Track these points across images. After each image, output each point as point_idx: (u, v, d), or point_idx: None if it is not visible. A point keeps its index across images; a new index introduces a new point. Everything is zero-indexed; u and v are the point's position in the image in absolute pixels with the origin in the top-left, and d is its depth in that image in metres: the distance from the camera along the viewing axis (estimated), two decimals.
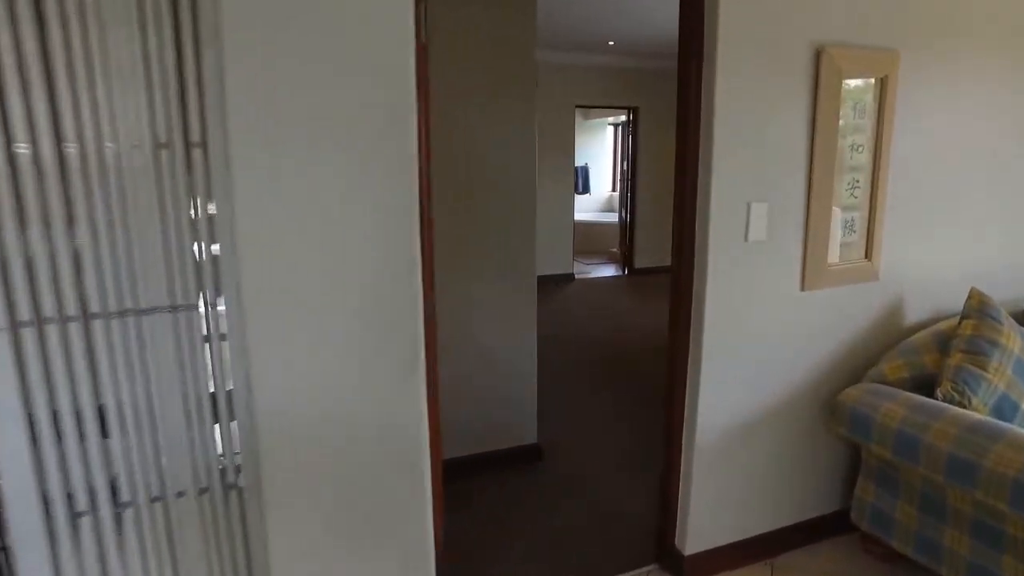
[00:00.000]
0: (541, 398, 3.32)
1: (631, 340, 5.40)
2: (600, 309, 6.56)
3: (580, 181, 10.90)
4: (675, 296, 2.18)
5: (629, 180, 8.36)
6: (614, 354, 5.04)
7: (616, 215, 10.07)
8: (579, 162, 10.83)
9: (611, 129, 11.28)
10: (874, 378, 2.27)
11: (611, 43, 6.82)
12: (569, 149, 7.78)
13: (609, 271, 8.74)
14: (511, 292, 3.10)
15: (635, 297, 7.17)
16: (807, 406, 2.36)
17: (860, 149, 2.22)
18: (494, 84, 2.86)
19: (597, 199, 11.40)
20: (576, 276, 8.14)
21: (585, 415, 3.86)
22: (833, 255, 2.25)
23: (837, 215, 2.24)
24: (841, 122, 2.13)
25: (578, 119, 10.85)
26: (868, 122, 2.20)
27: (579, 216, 10.57)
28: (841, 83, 2.09)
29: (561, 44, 7.00)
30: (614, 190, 11.39)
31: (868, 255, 2.32)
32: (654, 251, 8.45)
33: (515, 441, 3.24)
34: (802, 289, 2.22)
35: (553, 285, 7.65)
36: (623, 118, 9.29)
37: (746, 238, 2.08)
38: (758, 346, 2.20)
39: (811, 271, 2.20)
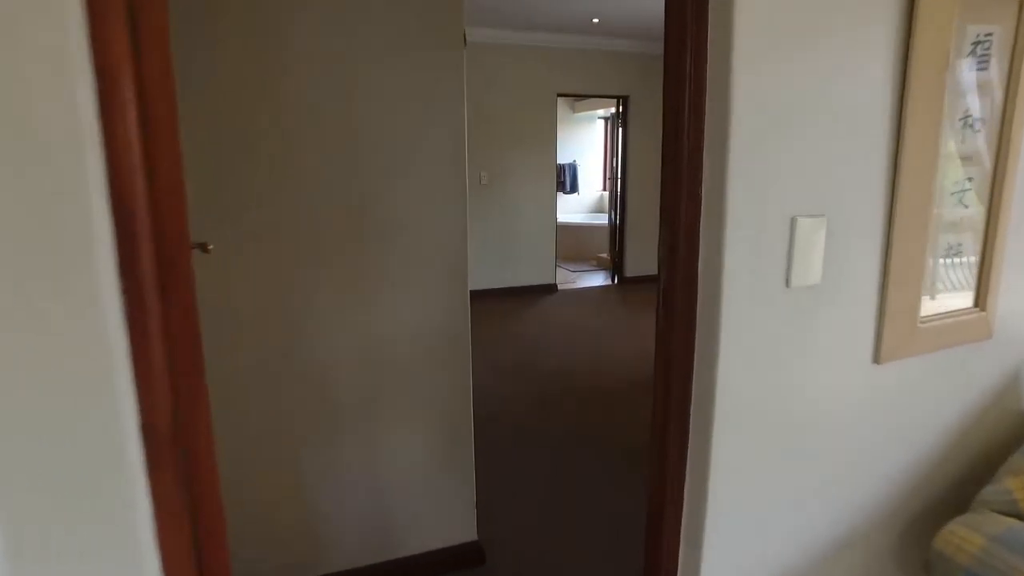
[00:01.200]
0: (485, 471, 2.43)
1: (614, 371, 4.49)
2: (581, 329, 5.64)
3: (568, 180, 9.99)
4: (663, 381, 1.26)
5: (619, 178, 7.45)
6: (590, 392, 4.12)
7: (607, 217, 9.16)
8: (567, 159, 9.93)
9: (601, 123, 10.37)
10: (996, 504, 1.36)
11: (595, 20, 5.92)
12: (550, 143, 6.86)
13: (597, 279, 7.83)
14: (432, 321, 2.19)
15: (623, 313, 6.26)
16: (875, 547, 1.46)
17: (975, 126, 1.31)
18: (393, 36, 1.95)
19: (586, 199, 10.49)
20: (559, 287, 7.22)
21: (546, 492, 2.94)
22: (926, 303, 1.35)
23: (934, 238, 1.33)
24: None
25: (565, 112, 9.97)
26: (994, 75, 1.29)
27: (566, 218, 9.69)
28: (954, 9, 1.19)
29: (539, 23, 6.09)
30: (605, 189, 10.48)
31: (980, 302, 1.42)
32: (646, 258, 7.55)
33: (444, 540, 2.33)
34: (877, 359, 1.31)
35: (531, 298, 6.74)
36: (613, 110, 8.39)
37: (787, 281, 1.17)
38: (801, 454, 1.30)
39: (893, 331, 1.29)
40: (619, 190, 7.47)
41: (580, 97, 9.27)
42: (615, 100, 7.38)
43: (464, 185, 2.13)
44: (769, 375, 1.21)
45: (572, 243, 9.20)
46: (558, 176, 9.77)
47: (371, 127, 1.96)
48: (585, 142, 10.37)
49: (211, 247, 1.58)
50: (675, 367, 1.20)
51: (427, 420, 2.22)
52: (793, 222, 1.15)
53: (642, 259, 7.53)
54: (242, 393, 1.95)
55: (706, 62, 1.09)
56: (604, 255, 8.53)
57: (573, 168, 10.07)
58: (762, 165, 1.11)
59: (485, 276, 6.75)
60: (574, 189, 10.13)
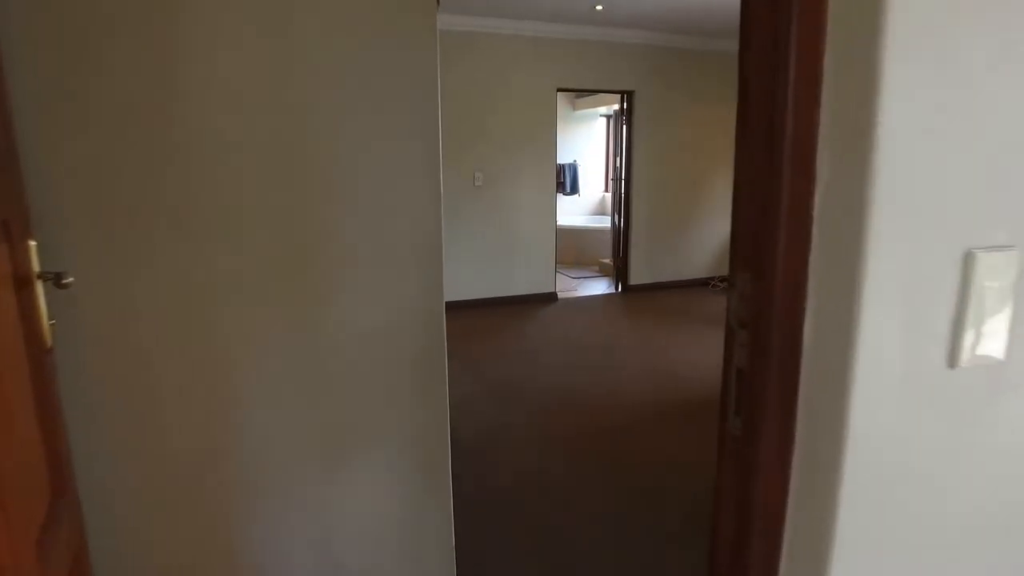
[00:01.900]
0: (469, 521, 1.95)
1: (622, 394, 4.02)
2: (584, 345, 5.17)
3: (567, 180, 9.52)
4: (735, 531, 0.79)
5: (623, 179, 6.97)
6: (596, 420, 3.65)
7: (609, 220, 8.70)
8: (567, 159, 9.47)
9: (603, 121, 9.91)
10: None
11: (598, 8, 5.44)
12: (550, 141, 6.39)
13: (599, 287, 7.35)
14: (397, 344, 1.73)
15: (628, 325, 5.79)
16: None
17: None
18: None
19: (587, 201, 10.02)
20: (559, 296, 6.75)
21: (546, 549, 2.46)
22: None
23: None
24: None
25: (566, 110, 9.50)
26: None
27: (566, 221, 9.22)
28: None
29: (538, 11, 5.62)
30: (607, 191, 10.02)
31: None
32: (652, 264, 7.08)
33: None
34: None
35: (529, 308, 6.27)
36: (616, 107, 7.92)
37: (954, 357, 0.70)
38: None
39: None
40: (623, 192, 7.00)
41: (582, 92, 8.81)
42: (619, 96, 6.91)
43: (438, 187, 1.65)
44: (929, 523, 0.73)
45: (573, 248, 8.73)
46: (558, 176, 9.32)
47: (314, 122, 1.49)
48: (586, 141, 9.90)
49: (69, 279, 1.11)
50: (757, 509, 0.73)
51: (392, 459, 1.75)
52: (968, 259, 0.68)
53: (648, 266, 7.06)
54: (158, 436, 1.49)
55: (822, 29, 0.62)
56: (607, 260, 8.06)
57: (573, 168, 9.61)
58: (923, 174, 0.64)
59: (479, 285, 6.28)
60: (574, 190, 9.66)
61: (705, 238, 7.29)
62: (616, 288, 7.18)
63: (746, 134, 0.72)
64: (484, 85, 5.97)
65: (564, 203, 9.59)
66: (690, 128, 6.95)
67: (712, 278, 7.37)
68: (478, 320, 5.83)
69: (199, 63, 1.39)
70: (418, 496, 1.80)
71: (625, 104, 6.81)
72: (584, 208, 9.99)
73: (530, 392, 4.05)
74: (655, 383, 4.19)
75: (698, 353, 4.83)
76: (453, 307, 6.26)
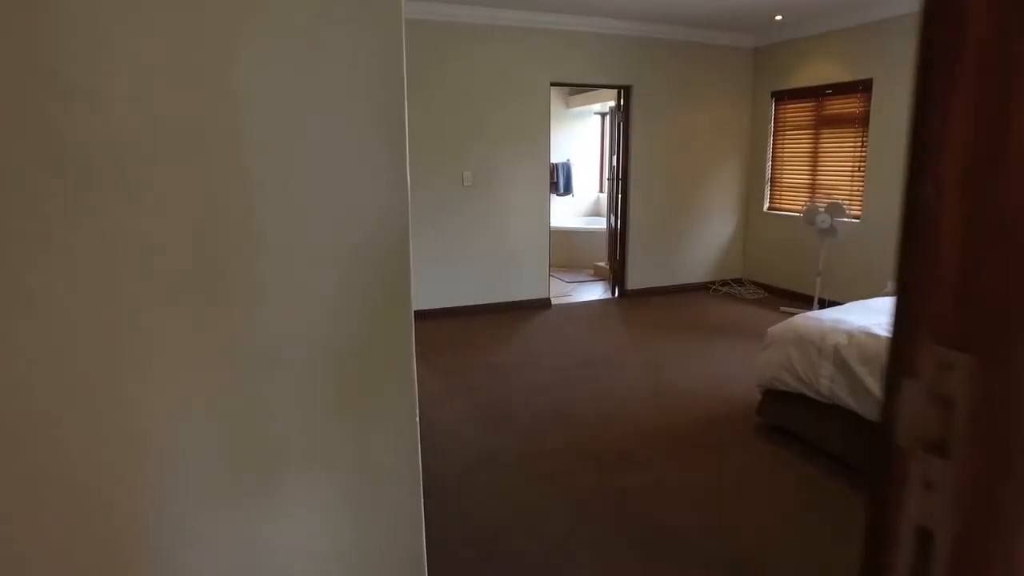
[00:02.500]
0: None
1: (626, 416, 3.67)
2: (582, 359, 4.82)
3: (561, 180, 9.17)
4: None
5: (619, 179, 6.64)
6: (599, 447, 3.30)
7: (604, 221, 8.37)
8: (560, 158, 9.13)
9: (597, 119, 9.57)
10: None
11: None
12: (543, 139, 6.04)
13: (595, 292, 7.01)
14: (353, 354, 1.37)
15: (627, 334, 5.44)
16: None
17: None
18: None
19: (581, 202, 9.68)
20: (553, 302, 6.40)
21: None
22: None
23: None
24: None
25: (558, 107, 9.16)
26: None
27: (560, 222, 8.89)
28: None
29: (531, 1, 5.27)
30: (601, 191, 9.68)
31: None
32: (650, 268, 6.75)
33: None
34: None
35: (522, 315, 5.92)
36: (611, 104, 7.59)
37: None
38: None
39: None
40: (619, 192, 6.67)
41: (576, 87, 8.48)
42: (615, 92, 6.57)
43: (402, 182, 1.30)
44: None
45: (567, 250, 8.39)
46: (551, 176, 8.97)
47: (238, 111, 1.14)
48: (579, 139, 9.56)
49: None
50: None
51: (331, 491, 1.39)
52: None
53: (645, 270, 6.72)
54: (34, 449, 1.13)
55: None
56: (602, 264, 7.73)
57: (567, 168, 9.27)
58: None
59: (469, 291, 5.92)
60: (568, 190, 9.32)
61: (705, 240, 6.97)
62: (612, 293, 6.84)
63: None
64: (474, 79, 5.62)
65: (557, 204, 9.26)
66: (690, 125, 6.62)
67: (712, 282, 7.05)
68: (467, 329, 5.47)
69: (90, 49, 1.03)
70: (377, 540, 1.44)
71: (622, 100, 6.47)
72: (578, 209, 9.66)
73: (523, 413, 3.70)
74: (657, 401, 3.85)
75: (699, 365, 4.49)
76: (440, 315, 5.92)
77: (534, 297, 6.22)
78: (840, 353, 2.94)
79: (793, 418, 3.24)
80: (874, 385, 2.78)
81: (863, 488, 2.82)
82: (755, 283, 7.00)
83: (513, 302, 6.12)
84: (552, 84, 5.99)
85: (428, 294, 5.74)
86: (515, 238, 6.05)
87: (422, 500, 1.47)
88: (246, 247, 1.20)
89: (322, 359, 1.31)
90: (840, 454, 3.00)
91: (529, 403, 3.84)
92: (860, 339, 2.92)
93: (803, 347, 3.13)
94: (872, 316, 3.26)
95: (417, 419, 1.43)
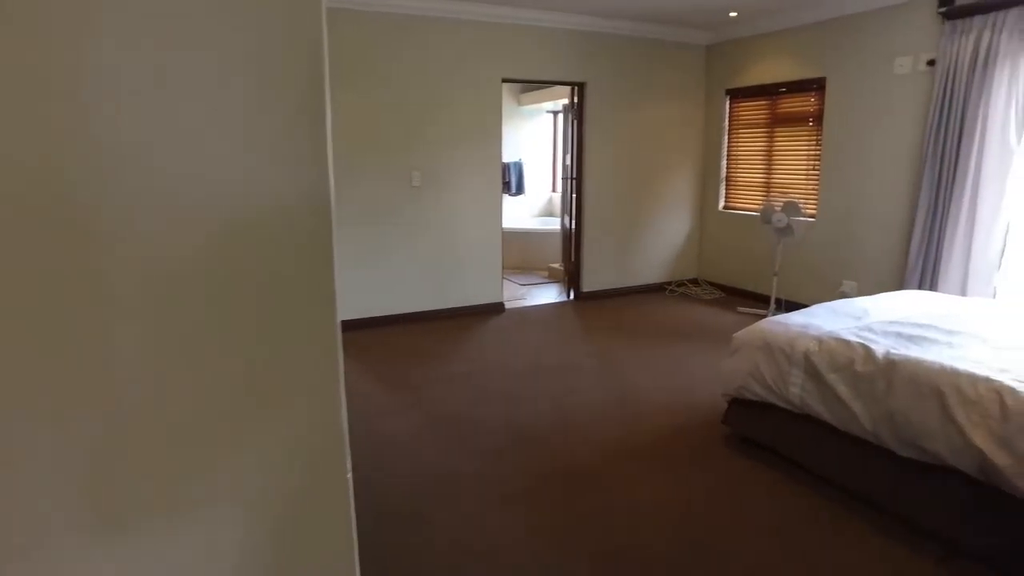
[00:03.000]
0: None
1: (588, 431, 3.48)
2: (538, 369, 4.61)
3: (513, 180, 8.96)
4: None
5: (573, 178, 6.46)
6: (561, 472, 3.09)
7: (557, 221, 8.19)
8: (512, 157, 8.92)
9: (549, 118, 9.39)
10: None
11: None
12: (495, 137, 5.81)
13: (550, 295, 6.82)
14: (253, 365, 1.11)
15: (585, 339, 5.26)
16: None
17: None
18: None
19: (534, 202, 9.49)
20: (507, 305, 6.18)
21: None
22: None
23: None
24: None
25: (510, 106, 8.94)
26: None
27: (512, 224, 8.69)
28: None
29: None
30: (554, 191, 9.52)
31: None
32: (605, 269, 6.60)
33: None
34: None
35: (474, 321, 5.67)
36: (564, 102, 7.42)
37: None
38: None
39: None
40: (573, 192, 6.49)
41: (529, 84, 8.29)
42: (567, 89, 6.39)
43: (325, 179, 1.05)
44: None
45: (520, 252, 8.19)
46: (502, 176, 8.75)
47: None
48: (531, 138, 9.37)
49: None
50: None
51: (258, 528, 1.14)
52: None
53: (602, 272, 6.57)
54: None
55: None
56: (556, 265, 7.55)
57: (519, 167, 9.06)
58: None
59: (418, 296, 5.64)
60: (520, 190, 9.11)
61: (661, 240, 6.86)
62: (568, 295, 6.66)
63: None
64: (422, 74, 5.34)
65: (510, 204, 9.05)
66: (644, 123, 6.50)
67: (669, 283, 6.95)
68: (418, 336, 5.20)
69: None
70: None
71: (576, 97, 6.30)
72: (531, 209, 9.47)
73: (479, 429, 3.46)
74: (619, 412, 3.66)
75: (660, 371, 4.34)
76: (389, 322, 5.60)
77: (487, 301, 5.99)
78: (811, 360, 2.80)
79: (762, 428, 3.09)
80: (847, 394, 2.64)
81: (840, 503, 2.68)
82: (711, 283, 6.93)
83: (466, 307, 5.87)
84: (504, 80, 5.76)
85: (376, 300, 5.44)
86: (467, 240, 5.80)
87: (354, 541, 1.22)
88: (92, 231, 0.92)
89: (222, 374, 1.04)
90: (814, 466, 2.86)
91: (485, 417, 3.61)
92: (830, 345, 2.78)
93: (771, 354, 2.98)
94: (839, 320, 3.14)
95: (346, 452, 1.18)
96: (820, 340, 2.84)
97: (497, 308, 6.04)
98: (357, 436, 3.28)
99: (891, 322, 3.07)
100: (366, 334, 5.20)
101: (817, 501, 2.70)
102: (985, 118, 4.32)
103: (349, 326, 5.27)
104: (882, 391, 2.52)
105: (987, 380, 2.28)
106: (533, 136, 9.38)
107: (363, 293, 5.36)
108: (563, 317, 5.93)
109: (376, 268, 5.39)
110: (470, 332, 5.35)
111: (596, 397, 3.89)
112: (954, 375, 2.35)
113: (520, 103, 9.09)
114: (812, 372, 2.79)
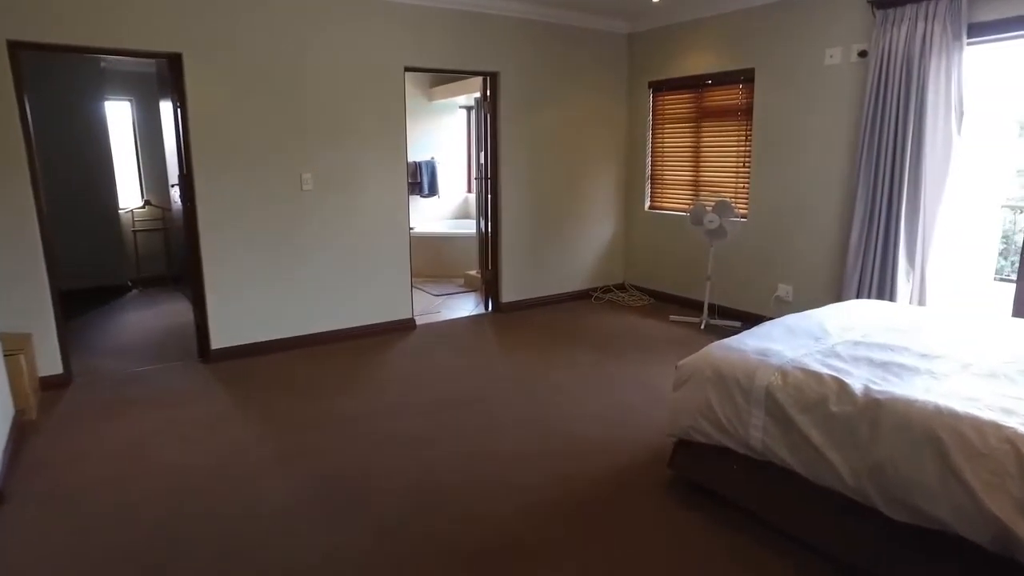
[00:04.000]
0: None
1: (515, 488, 2.89)
2: (453, 403, 3.99)
3: (425, 181, 8.28)
4: None
5: (488, 178, 5.87)
6: (486, 549, 2.48)
7: (474, 224, 7.58)
8: (424, 156, 8.24)
9: (463, 113, 8.76)
10: None
11: None
12: (399, 132, 5.12)
13: (467, 306, 6.21)
14: None
15: (507, 361, 4.68)
16: None
17: None
18: None
19: (449, 204, 8.84)
20: (418, 321, 5.51)
21: None
22: None
23: None
24: None
25: (420, 101, 8.24)
26: None
27: (425, 228, 8.04)
28: None
29: None
30: (470, 191, 8.90)
31: None
32: (527, 277, 6.05)
33: None
34: None
35: (379, 343, 4.98)
36: (477, 96, 6.81)
37: None
38: None
39: None
40: (488, 192, 5.90)
41: (435, 73, 7.64)
42: (480, 80, 5.79)
43: None
44: None
45: (433, 258, 7.53)
46: (413, 176, 8.04)
47: None
48: (444, 135, 8.70)
49: None
50: None
51: None
52: None
53: (522, 279, 6.01)
54: None
55: None
56: (473, 272, 6.94)
57: (431, 166, 8.38)
58: None
59: (312, 317, 4.89)
60: (433, 191, 8.44)
61: (584, 243, 6.37)
62: (486, 307, 6.07)
63: None
64: (310, 60, 4.60)
65: (422, 206, 8.37)
66: (563, 118, 5.98)
67: (594, 289, 6.47)
68: (312, 364, 4.46)
69: None
70: None
71: (488, 89, 5.70)
72: (445, 212, 8.81)
73: (376, 489, 2.80)
74: (545, 457, 3.09)
75: (591, 396, 3.82)
76: (278, 347, 4.66)
77: (396, 318, 5.30)
78: (774, 397, 2.31)
79: (716, 476, 2.59)
80: (821, 441, 2.17)
81: (812, 568, 2.21)
82: (639, 288, 6.51)
83: (371, 325, 5.16)
84: (407, 69, 5.09)
85: (262, 323, 4.65)
86: (370, 249, 5.10)
87: None
88: None
89: None
90: (785, 526, 2.37)
91: (385, 471, 2.95)
92: (796, 378, 2.31)
93: (725, 388, 2.49)
94: (798, 341, 2.69)
95: None
96: (783, 371, 2.36)
97: (407, 325, 5.36)
98: (218, 507, 2.56)
99: (855, 343, 2.64)
100: (251, 364, 4.41)
101: (787, 563, 2.22)
102: (923, 110, 4.04)
103: (224, 355, 4.47)
104: (865, 438, 2.05)
105: (995, 427, 1.84)
106: (447, 133, 8.72)
107: (245, 316, 4.57)
108: (480, 334, 5.32)
109: (262, 287, 4.61)
110: (374, 357, 4.65)
111: (518, 436, 3.31)
112: (953, 419, 1.91)
113: (431, 98, 8.41)
114: (776, 412, 2.30)
